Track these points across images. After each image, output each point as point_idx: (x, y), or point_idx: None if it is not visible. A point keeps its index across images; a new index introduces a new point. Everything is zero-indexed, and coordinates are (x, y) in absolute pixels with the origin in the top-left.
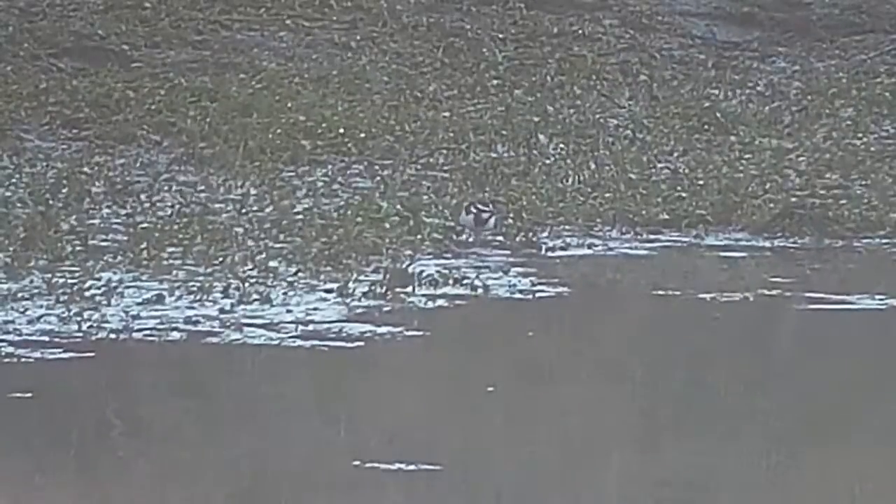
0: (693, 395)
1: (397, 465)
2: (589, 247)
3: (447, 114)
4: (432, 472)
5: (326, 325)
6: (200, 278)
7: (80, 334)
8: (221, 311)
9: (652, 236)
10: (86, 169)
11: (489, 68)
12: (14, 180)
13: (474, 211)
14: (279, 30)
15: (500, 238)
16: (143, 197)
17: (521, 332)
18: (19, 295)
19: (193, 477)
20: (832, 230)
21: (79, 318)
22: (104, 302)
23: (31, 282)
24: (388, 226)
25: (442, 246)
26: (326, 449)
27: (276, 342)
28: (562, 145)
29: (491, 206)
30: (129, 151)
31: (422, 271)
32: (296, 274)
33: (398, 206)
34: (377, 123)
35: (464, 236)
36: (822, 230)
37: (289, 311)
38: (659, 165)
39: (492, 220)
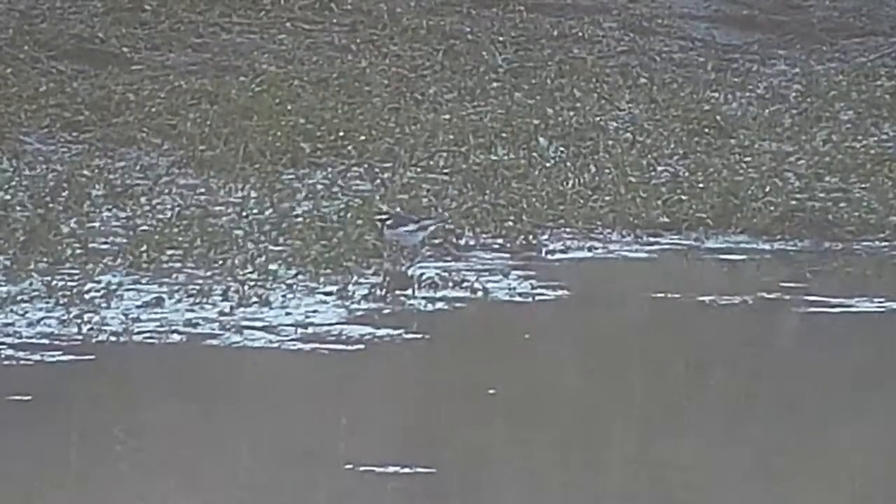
0: (692, 397)
1: (393, 469)
2: (589, 250)
3: (447, 116)
4: (428, 475)
5: (326, 328)
6: (200, 281)
7: (80, 337)
8: (221, 313)
9: (652, 239)
10: (86, 172)
11: (489, 71)
12: (14, 183)
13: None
14: (279, 32)
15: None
16: (142, 200)
17: (521, 335)
18: (19, 298)
19: (192, 479)
20: (832, 233)
21: (78, 321)
22: (104, 304)
23: (31, 284)
24: None
25: (442, 249)
26: (326, 451)
27: (275, 345)
28: (562, 148)
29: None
30: (129, 154)
31: (422, 274)
32: (295, 276)
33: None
34: (377, 126)
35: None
36: (821, 233)
37: (288, 314)
38: (659, 168)
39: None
